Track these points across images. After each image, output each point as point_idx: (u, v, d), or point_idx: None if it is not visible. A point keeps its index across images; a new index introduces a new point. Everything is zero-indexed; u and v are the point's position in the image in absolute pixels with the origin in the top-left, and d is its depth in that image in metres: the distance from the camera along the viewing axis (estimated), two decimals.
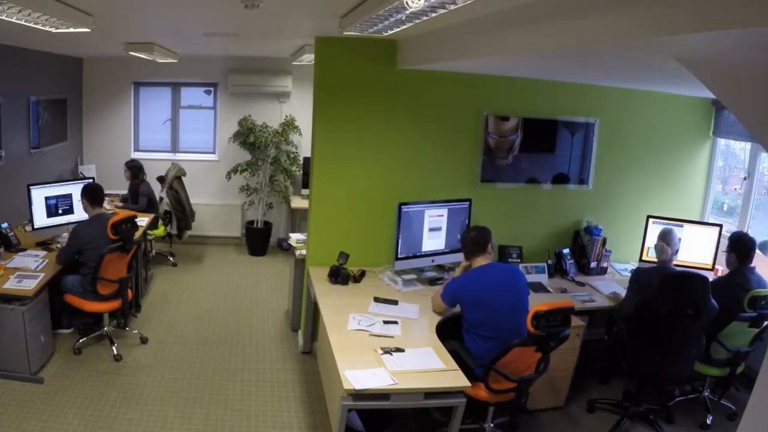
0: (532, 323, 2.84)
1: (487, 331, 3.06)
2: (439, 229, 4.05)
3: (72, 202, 4.78)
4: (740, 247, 3.68)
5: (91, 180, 5.14)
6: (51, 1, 2.58)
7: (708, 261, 4.33)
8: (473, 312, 3.11)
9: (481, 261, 3.22)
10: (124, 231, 4.03)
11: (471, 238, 3.27)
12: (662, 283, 3.39)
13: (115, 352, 4.16)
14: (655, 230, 4.41)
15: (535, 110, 4.38)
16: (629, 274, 4.49)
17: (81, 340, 4.23)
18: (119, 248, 4.02)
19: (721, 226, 4.33)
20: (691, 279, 3.39)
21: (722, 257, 4.24)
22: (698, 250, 4.35)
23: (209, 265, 6.64)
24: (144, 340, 4.46)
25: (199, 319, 5.04)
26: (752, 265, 3.69)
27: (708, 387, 3.89)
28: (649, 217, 4.48)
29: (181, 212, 6.32)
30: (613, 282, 4.38)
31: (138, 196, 5.92)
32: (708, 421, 3.72)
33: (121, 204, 5.99)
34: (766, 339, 3.65)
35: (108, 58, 6.71)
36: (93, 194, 4.13)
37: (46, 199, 4.65)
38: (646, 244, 4.46)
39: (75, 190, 4.68)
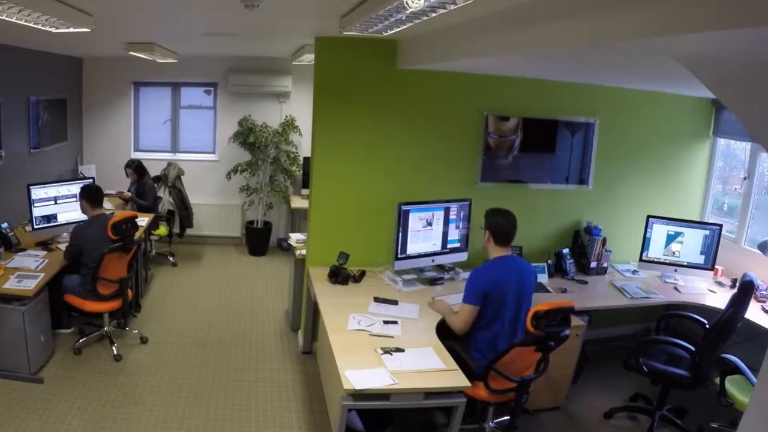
0: (532, 323, 2.84)
1: (490, 325, 3.07)
2: (439, 229, 4.05)
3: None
4: None
5: (91, 180, 5.15)
6: (51, 1, 2.58)
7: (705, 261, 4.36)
8: (489, 302, 3.08)
9: (502, 250, 3.19)
10: (125, 231, 4.03)
11: (505, 223, 3.18)
12: None
13: (115, 352, 4.16)
14: (657, 230, 4.43)
15: (535, 110, 4.38)
16: (630, 274, 4.51)
17: (81, 340, 4.23)
18: (119, 248, 4.02)
19: (721, 225, 4.33)
20: None
21: (722, 256, 4.25)
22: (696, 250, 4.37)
23: (209, 265, 6.64)
24: (144, 340, 4.46)
25: (199, 319, 5.04)
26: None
27: None
28: (649, 216, 4.48)
29: (184, 210, 6.34)
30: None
31: (145, 194, 5.92)
32: None
33: (125, 203, 5.99)
34: (765, 337, 3.65)
35: (108, 58, 6.71)
36: (92, 195, 4.13)
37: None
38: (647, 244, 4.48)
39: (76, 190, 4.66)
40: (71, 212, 4.77)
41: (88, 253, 3.94)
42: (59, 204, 4.75)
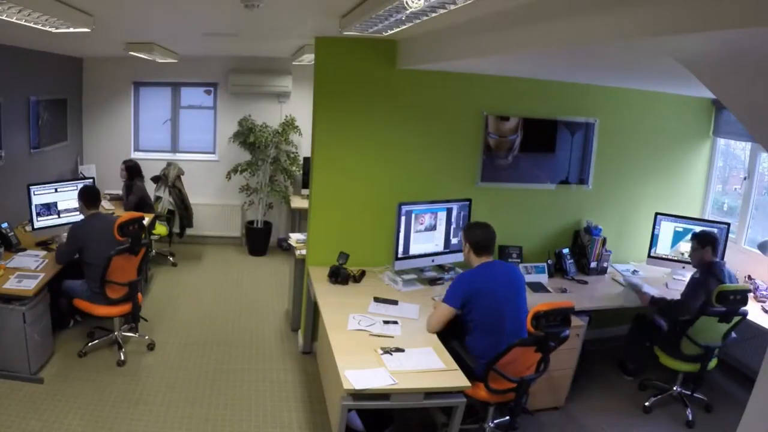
0: (532, 323, 2.84)
1: (490, 328, 3.06)
2: (439, 229, 4.05)
3: None
4: (712, 240, 3.78)
5: (91, 180, 5.15)
6: (51, 1, 2.58)
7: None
8: (479, 308, 3.08)
9: (485, 258, 3.21)
10: (131, 232, 3.98)
11: (483, 234, 3.21)
12: None
13: (122, 357, 4.10)
14: (665, 227, 4.43)
15: (535, 110, 4.38)
16: (630, 275, 4.51)
17: (89, 344, 4.18)
18: (126, 250, 3.96)
19: (728, 224, 4.30)
20: None
21: (728, 254, 4.24)
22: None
23: (209, 265, 6.64)
24: (151, 347, 4.36)
25: (199, 319, 5.03)
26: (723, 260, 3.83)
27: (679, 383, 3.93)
28: (657, 214, 4.48)
29: (184, 210, 6.33)
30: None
31: (130, 195, 5.87)
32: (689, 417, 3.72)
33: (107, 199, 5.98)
34: (765, 337, 3.65)
35: (108, 58, 6.71)
36: (89, 196, 4.13)
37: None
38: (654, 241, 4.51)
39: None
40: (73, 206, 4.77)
41: (90, 251, 3.91)
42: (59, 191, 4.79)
